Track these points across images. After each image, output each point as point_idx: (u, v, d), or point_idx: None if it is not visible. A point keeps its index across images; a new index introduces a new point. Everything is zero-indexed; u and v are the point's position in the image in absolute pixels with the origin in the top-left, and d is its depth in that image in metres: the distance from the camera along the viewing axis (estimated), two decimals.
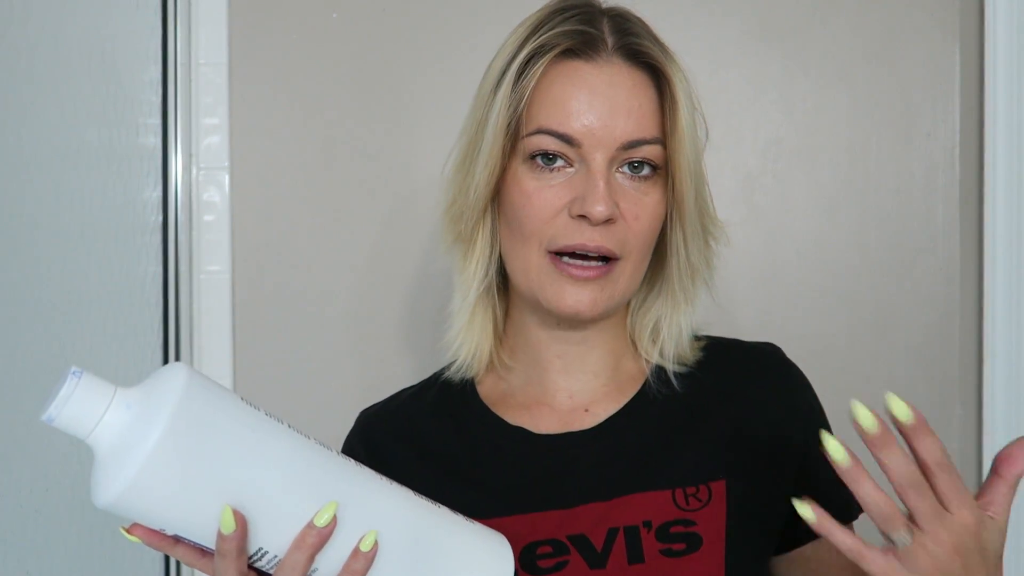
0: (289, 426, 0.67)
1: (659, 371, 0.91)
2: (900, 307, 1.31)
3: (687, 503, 0.84)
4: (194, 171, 1.33)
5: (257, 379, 1.33)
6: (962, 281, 1.30)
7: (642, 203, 0.83)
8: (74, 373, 0.60)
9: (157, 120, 1.33)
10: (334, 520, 0.66)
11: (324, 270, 1.33)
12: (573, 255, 0.83)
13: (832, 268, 1.31)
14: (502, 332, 0.93)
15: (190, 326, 1.33)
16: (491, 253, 0.90)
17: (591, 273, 0.82)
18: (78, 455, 1.32)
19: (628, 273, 0.84)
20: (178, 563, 1.33)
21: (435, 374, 0.97)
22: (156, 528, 0.63)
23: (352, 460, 0.70)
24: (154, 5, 1.33)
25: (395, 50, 1.33)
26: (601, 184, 0.80)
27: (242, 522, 0.64)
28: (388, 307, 1.33)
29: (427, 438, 0.91)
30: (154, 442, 0.59)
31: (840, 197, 1.31)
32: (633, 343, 0.93)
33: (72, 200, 1.33)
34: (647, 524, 0.83)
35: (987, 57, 1.27)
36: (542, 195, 0.83)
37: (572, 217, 0.82)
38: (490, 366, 0.93)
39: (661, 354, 0.90)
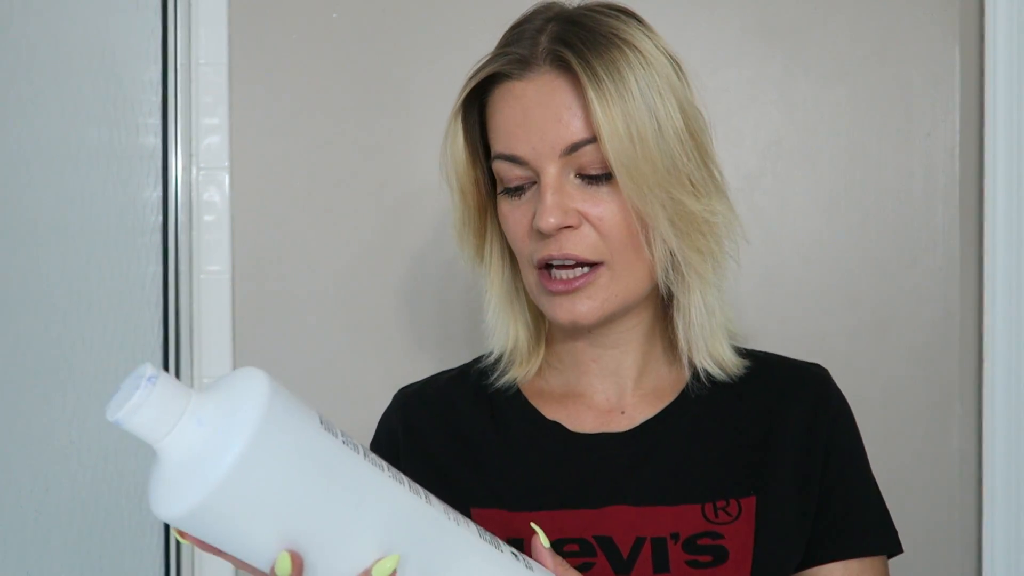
0: (365, 455, 0.63)
1: (698, 377, 0.90)
2: (900, 307, 1.31)
3: (716, 516, 0.84)
4: (194, 171, 1.33)
5: None
6: (962, 281, 1.30)
7: (604, 203, 0.82)
8: (150, 379, 0.56)
9: (157, 120, 1.33)
10: (394, 574, 0.63)
11: (324, 270, 1.33)
12: (559, 266, 0.84)
13: (832, 268, 1.31)
14: (546, 337, 0.94)
15: (190, 326, 1.33)
16: (503, 268, 0.92)
17: (574, 285, 0.83)
18: (78, 455, 1.32)
19: (616, 276, 0.84)
20: (178, 564, 1.33)
21: (475, 359, 0.98)
22: (213, 545, 0.61)
23: (422, 494, 0.67)
24: (154, 5, 1.33)
25: (395, 50, 1.33)
26: (547, 196, 0.81)
27: (299, 565, 0.61)
28: (388, 306, 1.33)
29: (464, 424, 0.92)
30: (229, 465, 0.56)
31: (840, 197, 1.31)
32: (678, 351, 0.92)
33: (72, 200, 1.33)
34: (675, 536, 0.83)
35: (987, 57, 1.27)
36: (514, 216, 0.85)
37: (535, 232, 0.83)
38: (537, 371, 0.94)
39: (691, 357, 0.89)
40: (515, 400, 0.92)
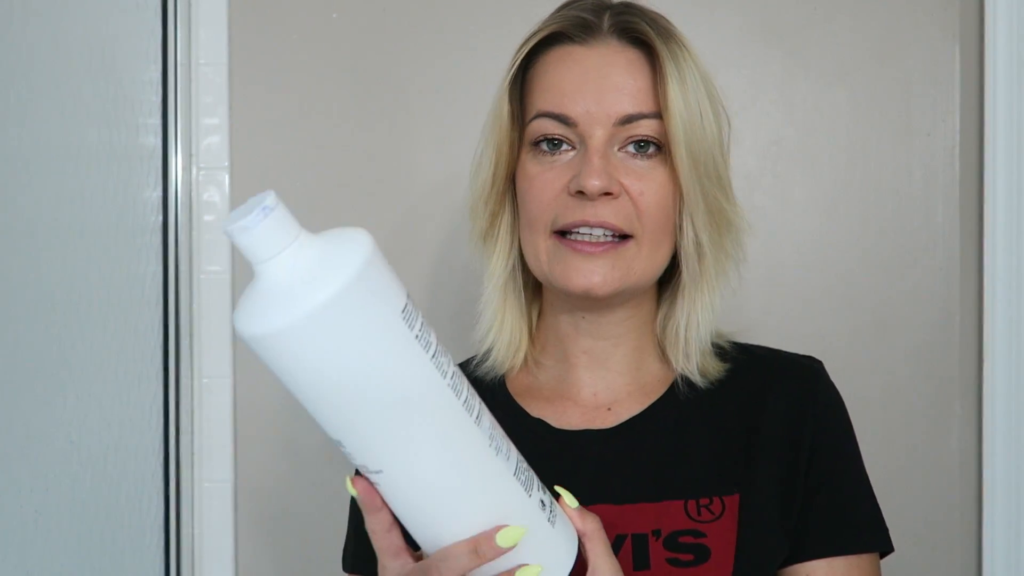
0: (433, 356, 0.64)
1: (685, 377, 0.90)
2: (900, 307, 1.31)
3: (699, 514, 0.84)
4: (194, 171, 1.33)
5: (257, 379, 1.33)
6: (962, 281, 1.30)
7: (647, 178, 0.83)
8: (264, 208, 0.60)
9: (157, 120, 1.33)
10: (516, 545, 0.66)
11: None
12: (580, 232, 0.83)
13: (832, 268, 1.31)
14: (535, 330, 0.94)
15: (190, 326, 1.33)
16: (511, 247, 0.91)
17: (599, 248, 0.83)
18: (78, 455, 1.32)
19: (642, 254, 0.84)
20: (178, 564, 1.33)
21: (465, 361, 0.98)
22: (283, 382, 0.64)
23: (475, 412, 0.66)
24: (154, 5, 1.33)
25: (395, 50, 1.33)
26: (595, 159, 0.81)
27: (366, 491, 0.65)
28: None
29: None
30: (304, 313, 0.59)
31: (840, 197, 1.31)
32: (662, 349, 0.92)
33: (72, 200, 1.32)
34: (656, 532, 0.83)
35: (987, 57, 1.27)
36: (544, 177, 0.84)
37: (572, 195, 0.83)
38: (523, 363, 0.94)
39: (686, 356, 0.89)
40: (500, 398, 0.92)
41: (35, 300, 1.32)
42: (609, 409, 0.90)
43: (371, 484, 0.66)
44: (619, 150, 0.84)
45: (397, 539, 0.69)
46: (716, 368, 0.90)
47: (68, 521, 1.32)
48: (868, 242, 1.31)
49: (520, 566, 0.67)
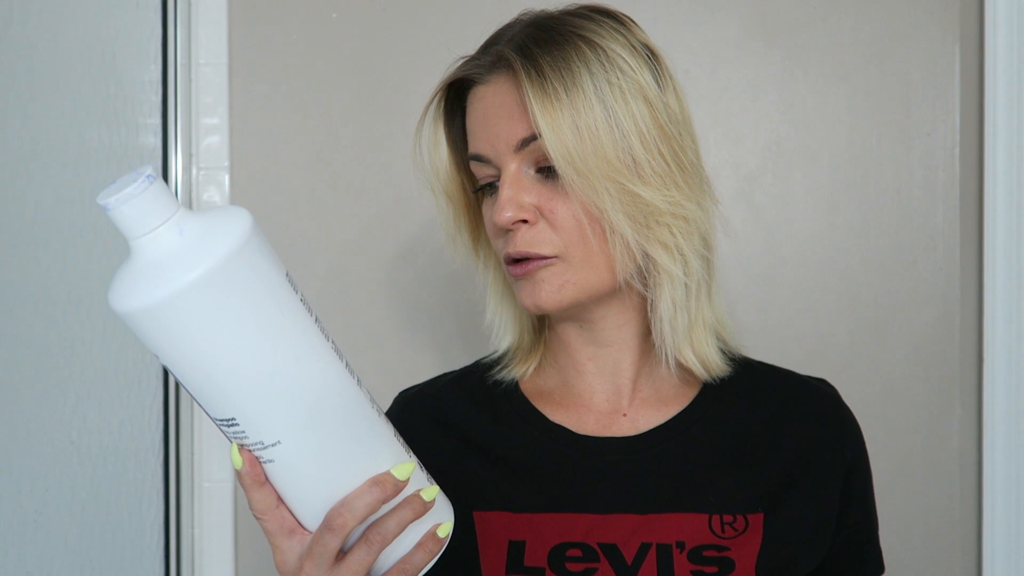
0: (316, 320, 0.66)
1: (707, 390, 0.91)
2: (900, 307, 1.31)
3: (723, 531, 0.84)
4: (194, 171, 1.33)
5: None
6: (962, 281, 1.30)
7: (556, 197, 0.83)
8: (148, 177, 0.59)
9: (157, 120, 1.33)
10: (407, 481, 0.68)
11: (324, 270, 1.33)
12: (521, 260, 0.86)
13: (832, 268, 1.31)
14: (547, 333, 0.95)
15: None
16: (499, 266, 0.93)
17: (528, 268, 0.84)
18: (78, 455, 1.32)
19: (573, 267, 0.83)
20: (178, 564, 1.33)
21: (476, 362, 0.98)
22: (155, 354, 0.64)
23: (355, 375, 0.70)
24: (154, 5, 1.33)
25: (395, 50, 1.33)
26: (503, 191, 0.83)
27: (252, 463, 0.65)
28: (390, 306, 1.33)
29: (465, 426, 0.92)
30: (194, 278, 0.59)
31: (840, 197, 1.31)
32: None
33: (72, 200, 1.32)
34: (680, 544, 0.83)
35: (987, 57, 1.27)
36: (487, 214, 0.88)
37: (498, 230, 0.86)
38: (537, 367, 0.95)
39: (678, 351, 0.88)
40: (517, 402, 0.92)
41: (35, 300, 1.32)
42: (625, 415, 0.90)
43: (256, 459, 0.67)
44: (535, 171, 0.84)
45: (287, 516, 0.70)
46: (718, 366, 0.90)
47: (68, 521, 1.32)
48: (868, 242, 1.31)
49: (418, 490, 0.70)
